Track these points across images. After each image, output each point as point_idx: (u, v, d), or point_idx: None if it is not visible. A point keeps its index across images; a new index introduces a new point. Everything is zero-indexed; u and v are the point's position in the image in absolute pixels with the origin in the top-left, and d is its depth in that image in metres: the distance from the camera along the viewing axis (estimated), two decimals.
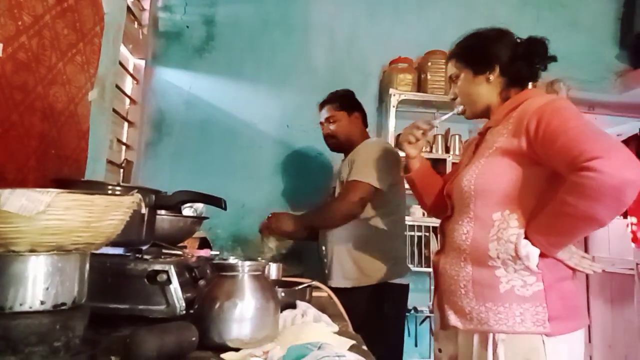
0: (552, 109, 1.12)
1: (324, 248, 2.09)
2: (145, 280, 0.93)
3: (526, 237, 1.13)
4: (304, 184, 2.77)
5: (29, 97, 1.22)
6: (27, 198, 0.60)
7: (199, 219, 1.52)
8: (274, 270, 1.53)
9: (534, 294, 1.13)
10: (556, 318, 1.11)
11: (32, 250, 0.63)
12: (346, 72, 2.87)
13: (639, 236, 3.34)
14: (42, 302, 0.63)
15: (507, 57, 1.28)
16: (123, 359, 0.70)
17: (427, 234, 2.74)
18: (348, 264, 1.98)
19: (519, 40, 1.31)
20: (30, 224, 0.61)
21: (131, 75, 2.63)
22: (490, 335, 1.15)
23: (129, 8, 2.29)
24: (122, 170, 2.41)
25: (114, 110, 2.09)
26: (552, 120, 1.09)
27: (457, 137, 2.82)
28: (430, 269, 2.64)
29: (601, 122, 3.16)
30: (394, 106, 2.66)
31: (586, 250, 3.48)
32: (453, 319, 1.23)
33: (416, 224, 2.71)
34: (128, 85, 2.63)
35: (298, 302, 1.14)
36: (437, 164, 2.67)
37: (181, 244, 1.46)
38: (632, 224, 3.38)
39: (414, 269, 2.54)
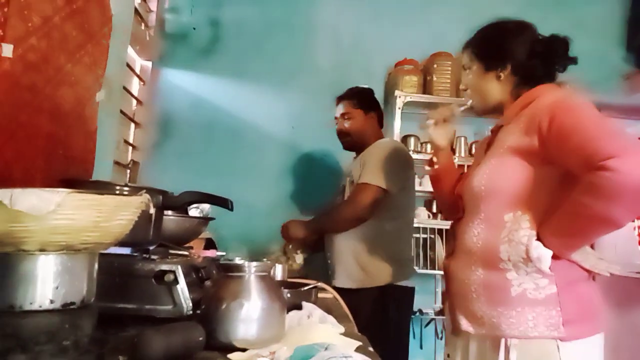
0: (565, 105, 1.09)
1: (329, 249, 2.09)
2: (153, 280, 0.93)
3: (538, 239, 1.09)
4: (310, 185, 2.77)
5: (38, 97, 1.23)
6: (37, 197, 0.60)
7: (205, 220, 1.53)
8: (279, 271, 1.54)
9: (547, 297, 1.09)
10: (571, 322, 1.07)
11: (41, 250, 0.63)
12: (351, 73, 2.86)
13: None
14: (51, 301, 0.64)
15: (523, 54, 1.22)
16: (130, 359, 0.70)
17: (432, 236, 2.72)
18: (353, 265, 1.97)
19: (540, 37, 1.25)
20: (40, 223, 0.61)
21: (138, 76, 2.64)
22: (503, 341, 1.11)
23: (136, 10, 2.31)
24: (128, 170, 2.42)
25: (121, 111, 2.10)
26: (565, 117, 1.05)
27: (462, 139, 2.80)
28: (436, 271, 2.68)
29: None
30: (399, 108, 2.65)
31: None
32: (464, 324, 1.20)
33: (422, 226, 2.69)
34: (135, 86, 2.64)
35: (304, 304, 1.14)
36: None
37: (187, 245, 1.46)
38: (639, 227, 3.36)
39: (419, 271, 2.54)
